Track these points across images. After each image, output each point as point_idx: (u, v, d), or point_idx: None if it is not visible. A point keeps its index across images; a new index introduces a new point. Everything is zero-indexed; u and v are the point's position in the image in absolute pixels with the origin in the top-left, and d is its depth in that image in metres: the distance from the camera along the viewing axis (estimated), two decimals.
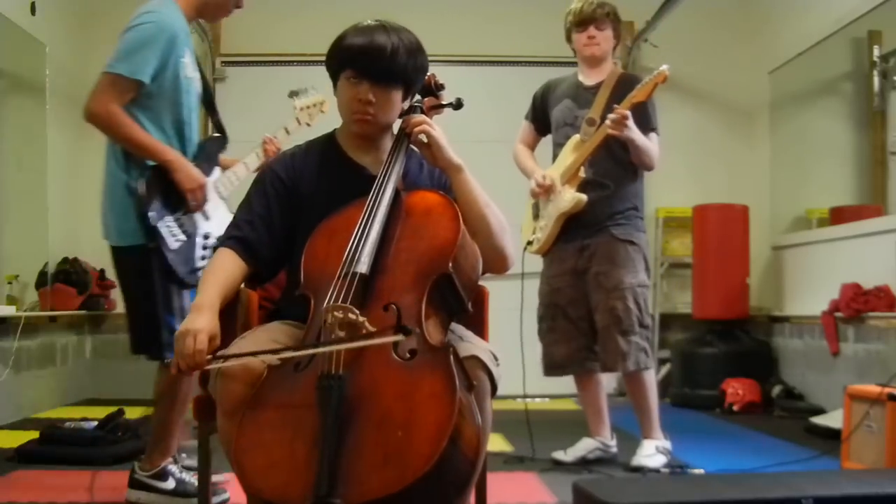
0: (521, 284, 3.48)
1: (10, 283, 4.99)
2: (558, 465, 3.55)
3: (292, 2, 6.16)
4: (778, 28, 6.13)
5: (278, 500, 1.58)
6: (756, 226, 5.90)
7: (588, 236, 3.59)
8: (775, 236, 6.15)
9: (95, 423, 3.72)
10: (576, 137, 3.59)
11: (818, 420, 4.44)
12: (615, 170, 3.58)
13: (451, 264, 1.85)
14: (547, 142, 3.86)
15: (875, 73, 5.47)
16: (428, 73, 2.20)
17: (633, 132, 3.44)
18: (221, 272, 2.00)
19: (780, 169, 6.22)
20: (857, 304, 4.65)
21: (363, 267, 1.82)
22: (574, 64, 3.81)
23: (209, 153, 3.00)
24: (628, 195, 3.61)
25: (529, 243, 3.71)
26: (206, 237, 2.85)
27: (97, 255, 5.71)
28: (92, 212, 5.94)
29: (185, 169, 2.78)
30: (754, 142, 6.36)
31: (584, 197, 3.54)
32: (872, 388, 3.32)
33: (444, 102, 2.25)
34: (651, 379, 3.59)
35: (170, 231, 2.75)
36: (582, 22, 3.65)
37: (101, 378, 5.82)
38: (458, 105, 2.25)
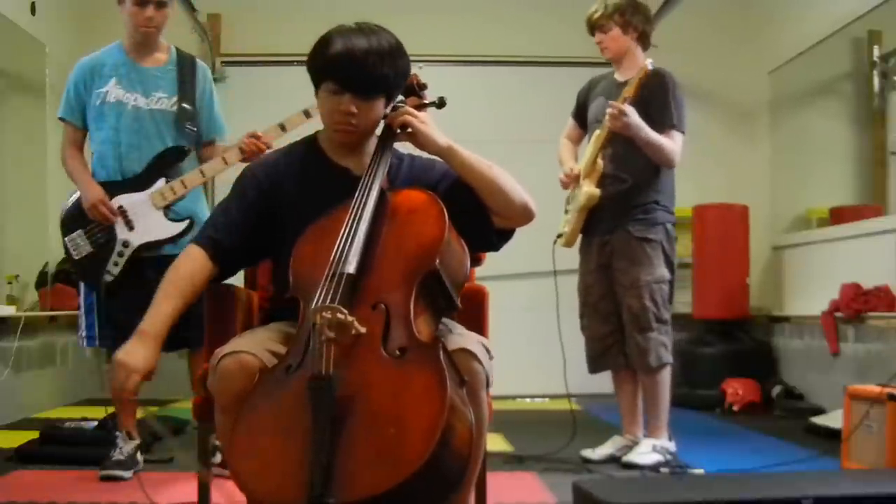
0: (555, 280, 3.53)
1: (10, 283, 4.98)
2: (587, 462, 3.56)
3: (292, 2, 6.15)
4: (778, 28, 6.12)
5: (275, 503, 1.59)
6: (756, 226, 5.89)
7: (607, 232, 3.62)
8: (775, 236, 6.15)
9: (95, 423, 3.72)
10: (597, 132, 3.60)
11: (818, 420, 4.44)
12: (633, 163, 3.56)
13: (437, 261, 1.85)
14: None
15: (875, 73, 5.47)
16: (411, 73, 2.19)
17: (636, 128, 3.44)
18: (184, 281, 1.98)
19: (781, 169, 6.22)
20: (857, 304, 4.65)
21: (350, 267, 1.82)
22: (568, 64, 3.81)
23: (159, 166, 3.25)
24: (648, 189, 3.59)
25: (559, 236, 3.75)
26: (124, 245, 3.19)
27: None
28: None
29: (83, 191, 3.22)
30: (754, 142, 6.35)
31: (596, 191, 3.57)
32: (872, 388, 3.31)
33: (426, 101, 2.24)
34: (666, 378, 3.59)
35: (73, 244, 3.23)
36: (590, 31, 3.70)
37: (101, 378, 5.81)
38: (440, 104, 2.23)
